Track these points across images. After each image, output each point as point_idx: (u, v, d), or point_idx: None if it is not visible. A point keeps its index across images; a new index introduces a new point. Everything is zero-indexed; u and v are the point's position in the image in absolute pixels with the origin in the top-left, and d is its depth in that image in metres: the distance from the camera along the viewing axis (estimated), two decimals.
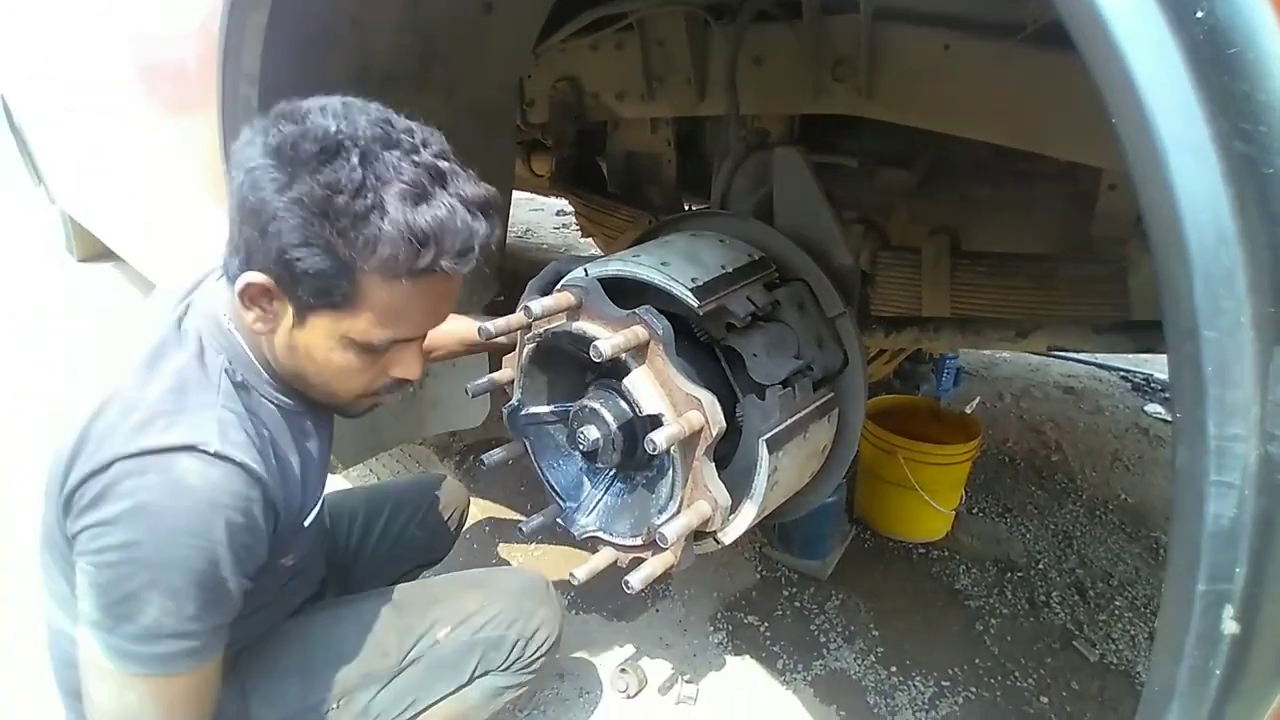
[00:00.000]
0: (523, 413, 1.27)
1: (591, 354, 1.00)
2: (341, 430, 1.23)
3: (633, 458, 1.18)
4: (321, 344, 0.90)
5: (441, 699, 1.23)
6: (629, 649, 1.81)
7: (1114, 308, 1.62)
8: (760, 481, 1.12)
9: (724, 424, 1.06)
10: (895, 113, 1.53)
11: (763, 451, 1.11)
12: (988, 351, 3.64)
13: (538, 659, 1.31)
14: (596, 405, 1.14)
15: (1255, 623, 0.54)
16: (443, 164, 0.87)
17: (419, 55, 1.67)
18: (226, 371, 0.94)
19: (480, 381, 1.27)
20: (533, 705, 1.64)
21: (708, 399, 1.03)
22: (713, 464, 1.08)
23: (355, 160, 0.80)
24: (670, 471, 1.09)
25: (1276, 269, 0.45)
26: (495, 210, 0.91)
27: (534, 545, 2.18)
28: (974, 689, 1.75)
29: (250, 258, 0.85)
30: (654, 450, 0.98)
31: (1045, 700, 1.73)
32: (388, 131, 0.84)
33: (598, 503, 1.26)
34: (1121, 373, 3.54)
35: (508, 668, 1.27)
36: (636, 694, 1.66)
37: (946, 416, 2.32)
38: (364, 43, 1.56)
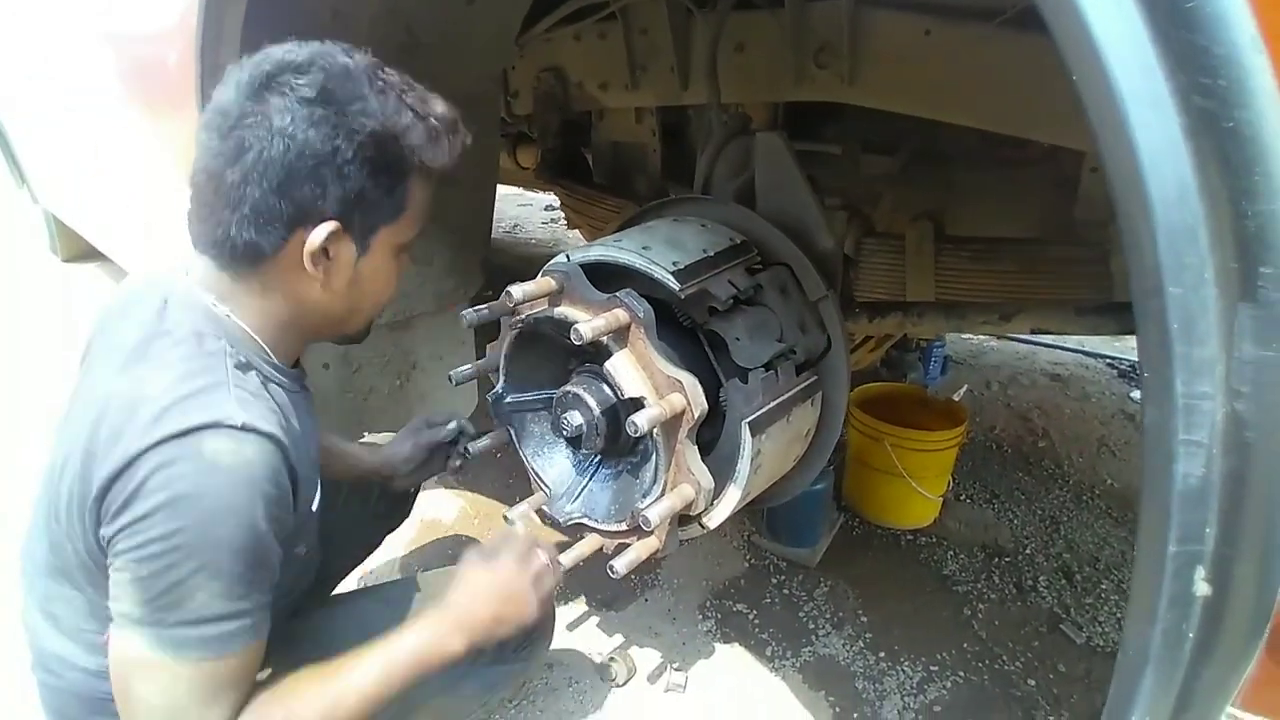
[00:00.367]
0: (506, 400, 1.27)
1: (572, 337, 1.00)
2: (328, 425, 1.23)
3: (616, 443, 1.18)
4: (384, 261, 0.97)
5: (435, 691, 1.15)
6: (618, 638, 1.81)
7: (1096, 290, 1.62)
8: (744, 465, 1.13)
9: (706, 406, 1.06)
10: (878, 99, 1.53)
11: (745, 434, 1.11)
12: (975, 339, 3.66)
13: (529, 646, 1.28)
14: (579, 390, 1.14)
15: (1228, 584, 0.54)
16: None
17: (400, 46, 1.66)
18: (228, 354, 0.91)
19: (464, 369, 1.26)
20: (522, 694, 1.63)
21: (689, 381, 1.03)
22: (695, 447, 1.08)
23: (379, 84, 0.89)
24: (653, 456, 1.10)
25: (1238, 224, 0.45)
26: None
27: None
28: (962, 673, 1.76)
29: (305, 215, 0.87)
30: (635, 432, 0.98)
31: (1032, 683, 1.74)
32: (366, 57, 0.93)
33: (582, 489, 1.26)
34: (1108, 360, 3.56)
35: (501, 656, 1.23)
36: (625, 682, 1.66)
37: (933, 403, 2.33)
38: (345, 34, 1.54)
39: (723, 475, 1.15)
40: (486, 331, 1.26)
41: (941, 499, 2.25)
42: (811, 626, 1.87)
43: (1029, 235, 1.78)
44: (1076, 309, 1.57)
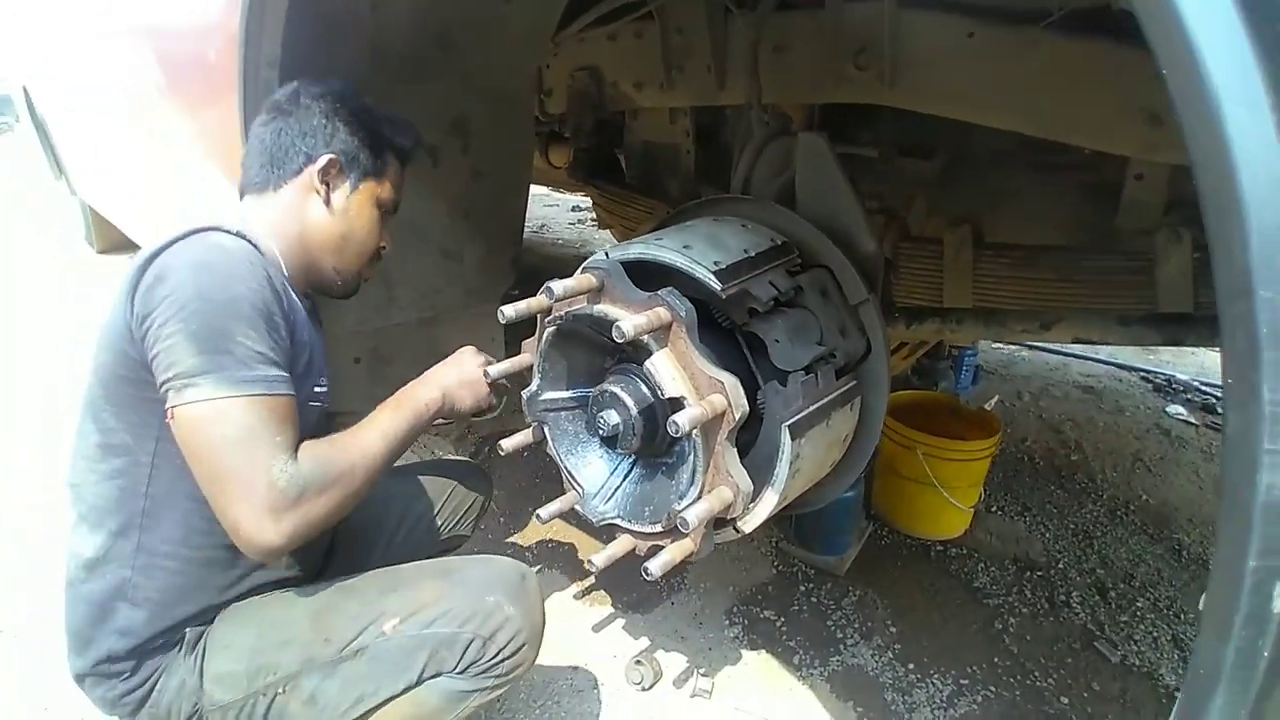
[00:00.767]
0: (541, 398, 1.26)
1: (614, 335, 0.98)
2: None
3: (652, 443, 1.16)
4: (365, 202, 1.24)
5: (391, 698, 1.12)
6: (644, 641, 1.80)
7: (1139, 300, 1.59)
8: (782, 468, 1.11)
9: (747, 408, 1.04)
10: (918, 101, 1.51)
11: (785, 437, 1.09)
12: (1006, 349, 3.61)
13: (500, 662, 1.13)
14: (617, 390, 1.13)
15: None
16: None
17: (437, 40, 1.67)
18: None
19: (501, 364, 1.25)
20: (547, 695, 1.63)
21: (731, 382, 1.02)
22: (735, 449, 1.06)
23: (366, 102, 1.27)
24: (691, 457, 1.08)
25: None
26: None
27: (546, 532, 2.17)
28: (993, 688, 1.72)
29: (313, 152, 1.19)
30: (677, 432, 0.97)
31: (1065, 701, 1.71)
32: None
33: (616, 489, 1.25)
34: (1142, 373, 3.50)
35: (463, 670, 1.12)
36: (651, 686, 1.65)
37: (965, 413, 2.29)
38: (382, 26, 1.56)
39: (759, 479, 1.13)
40: (518, 328, 1.26)
41: (972, 510, 2.21)
42: (840, 636, 1.84)
43: (1067, 242, 1.75)
44: (1119, 319, 1.54)
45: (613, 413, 1.14)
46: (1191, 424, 3.05)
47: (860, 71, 1.54)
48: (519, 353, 1.30)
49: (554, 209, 5.94)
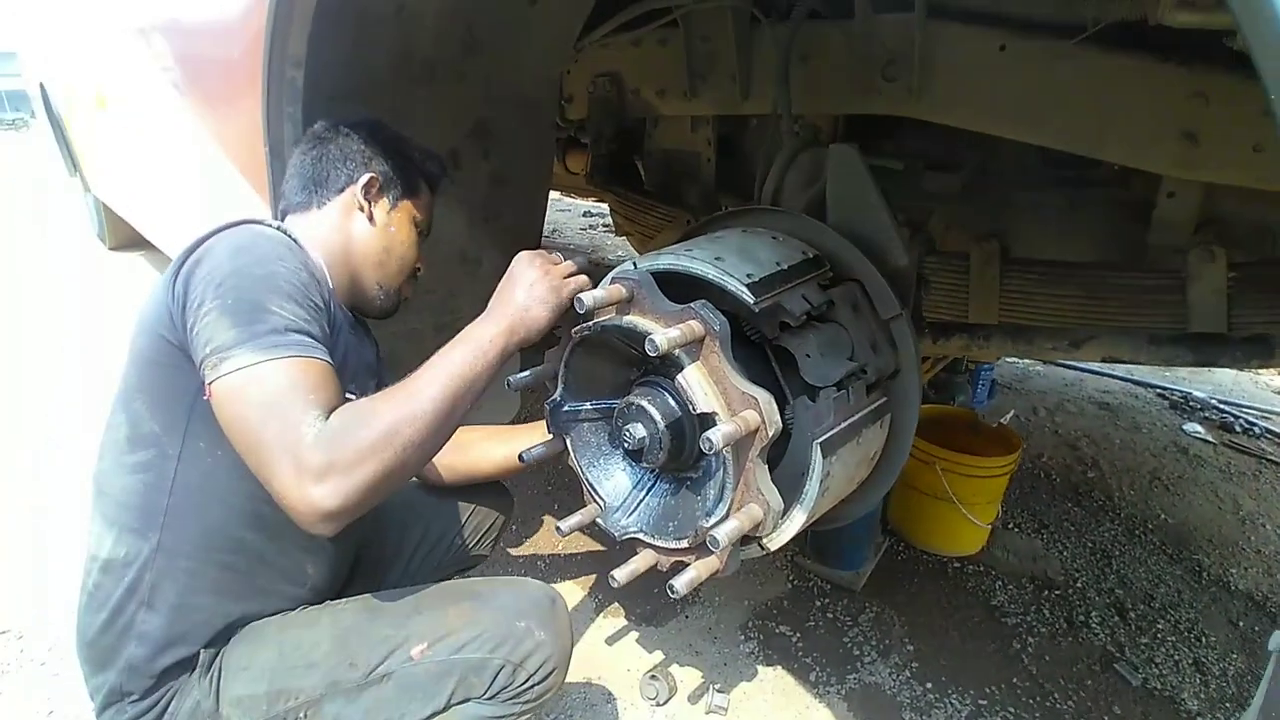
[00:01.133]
0: (564, 408, 1.24)
1: (647, 348, 0.96)
2: None
3: (679, 458, 1.14)
4: (404, 220, 1.28)
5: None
6: (658, 655, 1.77)
7: (1170, 319, 1.57)
8: (812, 486, 1.09)
9: (780, 425, 1.02)
10: (946, 114, 1.50)
11: (816, 455, 1.07)
12: (1021, 363, 3.59)
13: (530, 689, 1.11)
14: (644, 403, 1.11)
15: None
16: None
17: (461, 43, 1.65)
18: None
19: (522, 375, 1.23)
20: (560, 709, 1.60)
21: (765, 398, 1.00)
22: (766, 467, 1.04)
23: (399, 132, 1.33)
24: (720, 473, 1.06)
25: None
26: None
27: (560, 544, 2.15)
28: (1012, 709, 1.70)
29: (354, 174, 1.23)
30: (710, 450, 0.95)
31: None
32: None
33: (639, 503, 1.22)
34: (1158, 389, 3.47)
35: (493, 696, 1.09)
36: (666, 701, 1.62)
37: (983, 428, 2.27)
38: (407, 28, 1.55)
39: (788, 496, 1.11)
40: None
41: (990, 527, 2.19)
42: (857, 653, 1.82)
43: (1094, 259, 1.72)
44: (1151, 338, 1.51)
45: (639, 426, 1.11)
46: (1209, 443, 3.02)
47: (888, 83, 1.53)
48: (541, 362, 1.28)
49: (565, 214, 5.93)
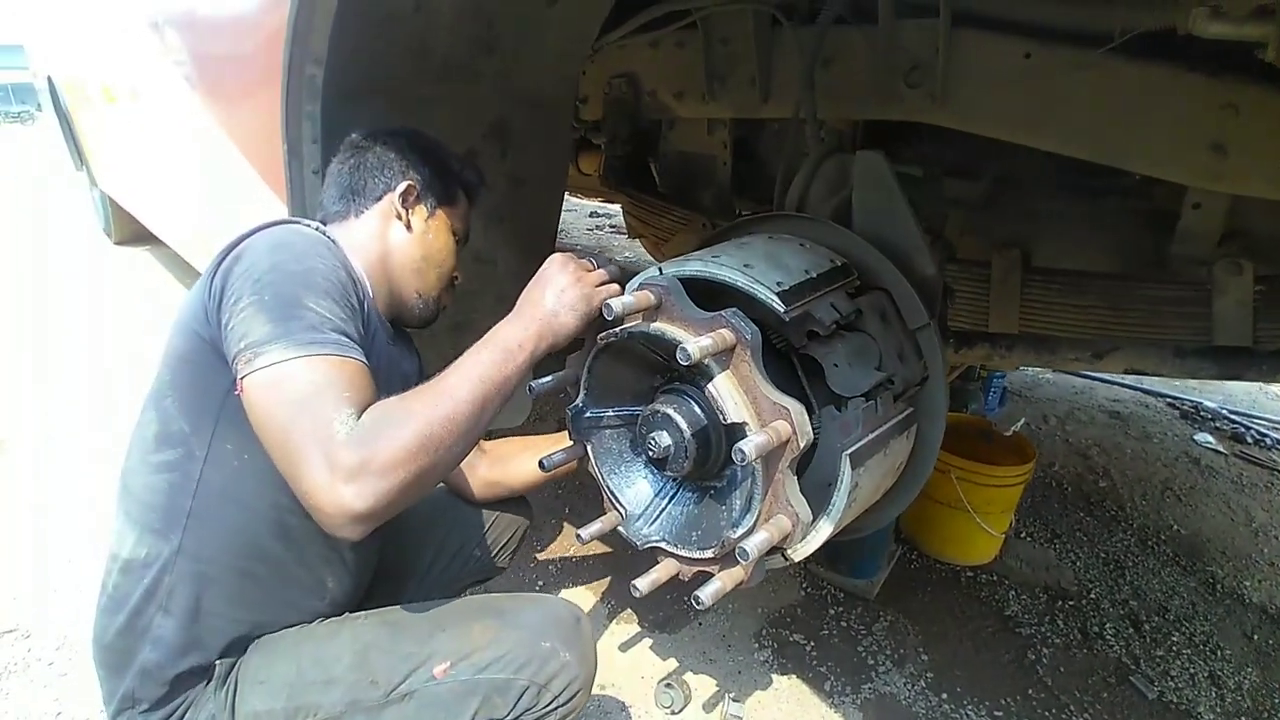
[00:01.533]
0: (586, 415, 1.22)
1: (679, 357, 0.95)
2: None
3: (703, 467, 1.12)
4: (442, 227, 1.27)
5: None
6: (671, 662, 1.76)
7: (1193, 331, 1.56)
8: (840, 498, 1.07)
9: (812, 436, 1.01)
10: (969, 121, 1.48)
11: (846, 466, 1.05)
12: (1030, 371, 3.57)
13: (553, 711, 1.08)
14: (669, 410, 1.09)
15: None
16: None
17: (479, 42, 1.64)
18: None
19: (544, 380, 1.21)
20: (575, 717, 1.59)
21: (796, 409, 0.98)
22: (795, 478, 1.03)
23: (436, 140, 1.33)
24: (748, 483, 1.04)
25: None
26: None
27: (572, 549, 2.14)
28: None
29: (392, 181, 1.23)
30: (743, 460, 0.93)
31: None
32: None
33: (661, 512, 1.21)
34: (1168, 399, 3.46)
35: (516, 718, 1.07)
36: (682, 709, 1.61)
37: (996, 437, 2.25)
38: (426, 27, 1.54)
39: (814, 507, 1.09)
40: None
41: (1003, 536, 2.17)
42: (871, 662, 1.80)
43: (1115, 269, 1.71)
44: (1175, 350, 1.50)
45: (664, 434, 1.10)
46: (1221, 453, 3.00)
47: (911, 89, 1.51)
48: (561, 366, 1.27)
49: (571, 214, 5.92)
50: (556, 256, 1.11)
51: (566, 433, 1.26)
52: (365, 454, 0.87)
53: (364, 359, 0.98)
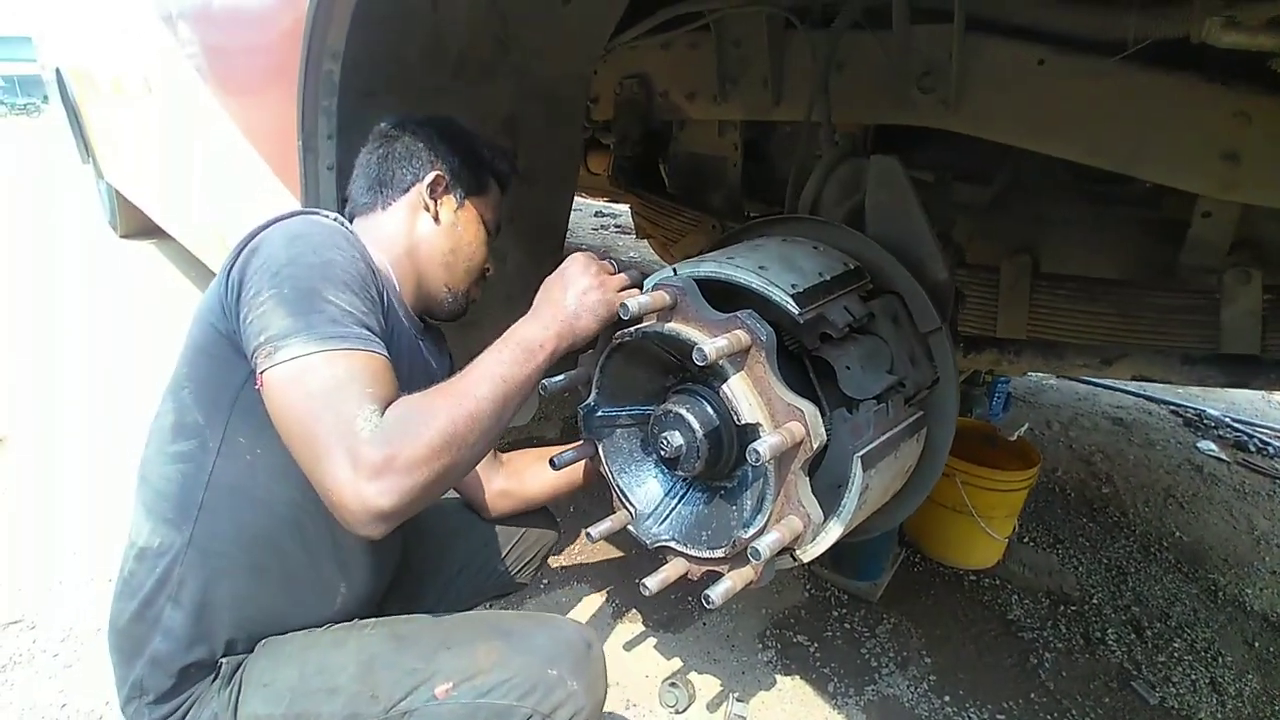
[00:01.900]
0: (598, 414, 1.23)
1: (694, 358, 0.95)
2: None
3: (714, 467, 1.13)
4: (471, 218, 1.26)
5: None
6: (676, 662, 1.77)
7: (1201, 339, 1.56)
8: (851, 499, 1.08)
9: (825, 437, 1.01)
10: (982, 127, 1.48)
11: (857, 468, 1.06)
12: (1034, 376, 3.58)
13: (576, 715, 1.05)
14: (682, 410, 1.10)
15: None
16: None
17: (494, 39, 1.65)
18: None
19: (557, 379, 1.22)
20: None
21: (810, 410, 0.99)
22: (807, 479, 1.03)
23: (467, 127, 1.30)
24: (759, 484, 1.05)
25: None
26: None
27: (577, 549, 2.14)
28: None
29: (420, 171, 1.21)
30: (757, 461, 0.94)
31: None
32: None
33: (671, 511, 1.21)
34: (1171, 406, 3.47)
35: None
36: (686, 709, 1.62)
37: (1001, 442, 2.26)
38: (442, 24, 1.54)
39: (824, 508, 1.10)
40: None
41: (1006, 540, 2.18)
42: (874, 664, 1.81)
43: (1124, 277, 1.72)
44: (1183, 358, 1.51)
45: (676, 434, 1.10)
46: (1224, 461, 3.01)
47: (924, 94, 1.52)
48: (576, 365, 1.28)
49: (577, 214, 5.92)
50: (578, 256, 1.10)
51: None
52: (389, 452, 0.86)
53: (385, 352, 0.97)
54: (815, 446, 1.00)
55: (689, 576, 1.18)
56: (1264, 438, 3.21)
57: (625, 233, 5.55)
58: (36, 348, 3.26)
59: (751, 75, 1.82)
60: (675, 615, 1.90)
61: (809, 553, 1.14)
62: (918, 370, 1.19)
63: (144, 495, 1.10)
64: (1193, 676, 1.87)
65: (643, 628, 1.86)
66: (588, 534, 1.24)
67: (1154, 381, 1.58)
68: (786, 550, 1.15)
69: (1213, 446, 3.10)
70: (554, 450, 1.44)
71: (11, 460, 2.43)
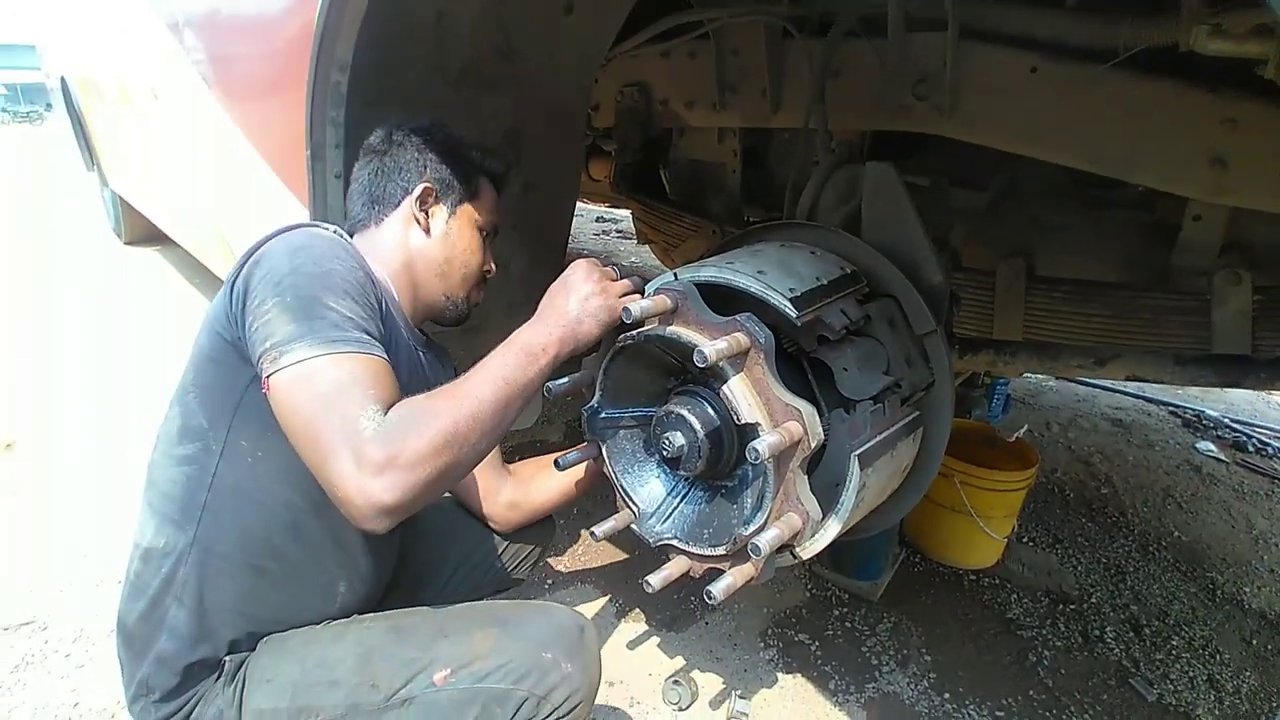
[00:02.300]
0: (601, 415, 1.26)
1: (695, 359, 0.98)
2: None
3: (715, 466, 1.16)
4: (464, 226, 1.28)
5: None
6: (679, 660, 1.79)
7: (1193, 340, 1.59)
8: (849, 497, 1.10)
9: (822, 436, 1.04)
10: (975, 133, 1.51)
11: (854, 466, 1.09)
12: (1033, 378, 3.60)
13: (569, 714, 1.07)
14: (683, 411, 1.13)
15: None
16: None
17: (497, 50, 1.68)
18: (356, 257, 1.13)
19: (561, 382, 1.25)
20: None
21: (808, 410, 1.02)
22: (805, 477, 1.06)
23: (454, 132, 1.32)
24: (759, 482, 1.08)
25: None
26: None
27: (580, 548, 2.17)
28: None
29: (410, 183, 1.24)
30: (756, 459, 0.97)
31: None
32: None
33: (674, 510, 1.24)
34: (1170, 407, 3.49)
35: None
36: (688, 707, 1.64)
37: (999, 443, 2.28)
38: (446, 35, 1.57)
39: (823, 506, 1.12)
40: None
41: (1005, 540, 2.20)
42: (875, 662, 1.83)
43: (1117, 279, 1.74)
44: (1176, 358, 1.53)
45: (678, 434, 1.13)
46: (1222, 461, 3.03)
47: (919, 101, 1.54)
48: (579, 369, 1.31)
49: (578, 219, 5.96)
50: (581, 262, 1.13)
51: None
52: (392, 449, 0.89)
53: (385, 355, 1.00)
54: (813, 445, 1.03)
55: (691, 574, 1.21)
56: (1262, 438, 3.23)
57: (626, 238, 5.59)
58: (42, 354, 3.29)
59: (750, 83, 1.85)
60: (678, 614, 1.92)
61: (808, 549, 1.17)
62: (913, 371, 1.22)
63: (150, 497, 1.13)
64: (1190, 674, 1.89)
65: (646, 626, 1.89)
66: (591, 533, 1.26)
67: (1147, 381, 1.61)
68: (786, 547, 1.18)
69: (1211, 447, 3.12)
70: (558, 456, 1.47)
71: (20, 465, 2.46)
